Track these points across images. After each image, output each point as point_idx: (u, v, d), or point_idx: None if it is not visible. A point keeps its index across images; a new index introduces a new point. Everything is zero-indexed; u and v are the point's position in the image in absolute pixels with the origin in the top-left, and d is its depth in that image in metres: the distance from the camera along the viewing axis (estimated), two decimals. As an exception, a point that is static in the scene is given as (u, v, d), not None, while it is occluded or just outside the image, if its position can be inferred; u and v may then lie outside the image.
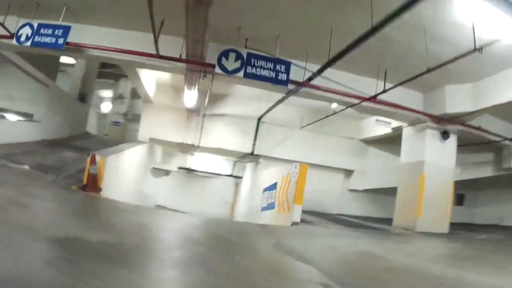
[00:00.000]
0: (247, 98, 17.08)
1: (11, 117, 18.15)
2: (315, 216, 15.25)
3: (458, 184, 15.27)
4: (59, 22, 11.55)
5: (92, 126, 28.13)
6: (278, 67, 11.33)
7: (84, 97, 24.40)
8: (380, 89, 11.69)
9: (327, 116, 16.86)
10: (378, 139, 18.59)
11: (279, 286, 5.11)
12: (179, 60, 11.53)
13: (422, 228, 12.88)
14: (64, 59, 20.80)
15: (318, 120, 18.15)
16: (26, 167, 11.96)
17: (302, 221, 11.79)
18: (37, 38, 11.67)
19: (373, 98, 12.20)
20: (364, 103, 12.63)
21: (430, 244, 10.92)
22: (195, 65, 11.38)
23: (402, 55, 10.65)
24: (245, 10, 9.93)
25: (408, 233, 12.79)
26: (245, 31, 10.95)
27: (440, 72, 9.63)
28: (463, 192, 19.06)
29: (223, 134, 18.84)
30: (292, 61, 11.44)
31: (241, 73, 11.19)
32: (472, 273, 6.49)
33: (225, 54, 11.31)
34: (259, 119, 17.97)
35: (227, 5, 9.37)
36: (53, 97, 19.25)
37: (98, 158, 11.36)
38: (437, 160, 13.66)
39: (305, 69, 11.69)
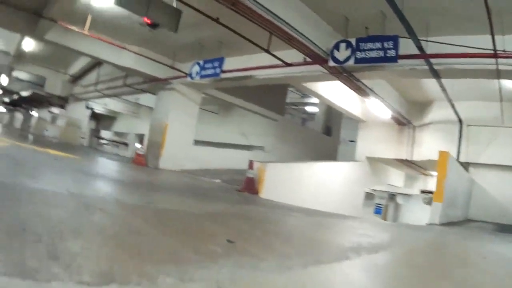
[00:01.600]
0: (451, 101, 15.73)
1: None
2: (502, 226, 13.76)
3: None
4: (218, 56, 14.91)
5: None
6: (385, 44, 10.91)
7: (329, 130, 27.21)
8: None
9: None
10: None
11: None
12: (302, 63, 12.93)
13: None
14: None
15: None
16: (218, 180, 16.10)
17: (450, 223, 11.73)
18: (203, 72, 15.24)
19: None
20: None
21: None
22: (314, 65, 12.65)
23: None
24: None
25: None
26: (352, 18, 11.68)
27: None
28: None
29: (431, 144, 17.74)
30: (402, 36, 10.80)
31: (352, 60, 11.48)
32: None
33: (336, 46, 11.81)
34: (460, 121, 16.72)
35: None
36: (284, 130, 23.79)
37: (256, 164, 13.77)
38: None
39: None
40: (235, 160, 21.37)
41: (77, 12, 13.23)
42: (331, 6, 11.32)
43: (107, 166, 14.83)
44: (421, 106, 18.75)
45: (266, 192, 13.34)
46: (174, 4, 10.49)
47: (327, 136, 29.01)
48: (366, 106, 18.30)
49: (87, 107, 33.45)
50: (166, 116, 18.18)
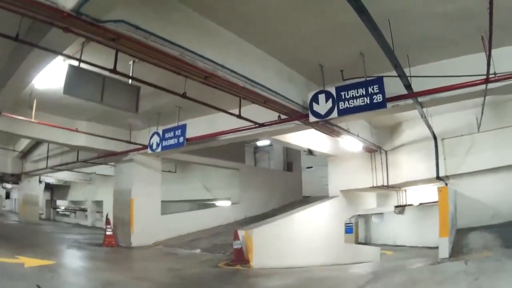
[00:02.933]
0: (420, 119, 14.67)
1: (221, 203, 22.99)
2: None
3: None
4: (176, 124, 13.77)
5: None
6: (370, 89, 9.79)
7: (290, 165, 26.64)
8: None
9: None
10: None
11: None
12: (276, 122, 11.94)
13: None
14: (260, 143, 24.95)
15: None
16: (198, 251, 14.98)
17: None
18: (164, 143, 13.79)
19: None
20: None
21: None
22: (292, 122, 11.79)
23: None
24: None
25: None
26: (326, 64, 10.71)
27: None
28: None
29: (407, 165, 17.48)
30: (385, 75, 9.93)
31: (335, 113, 10.21)
32: None
33: (314, 99, 10.52)
34: (434, 137, 16.13)
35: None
36: (246, 177, 22.57)
37: (241, 233, 12.85)
38: None
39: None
40: (206, 219, 20.46)
41: (22, 99, 11.80)
42: (303, 55, 10.20)
43: (80, 271, 12.92)
44: (391, 129, 18.31)
45: (257, 259, 12.37)
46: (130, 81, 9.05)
47: (289, 172, 28.33)
48: (334, 142, 17.52)
49: (40, 182, 31.42)
50: (129, 191, 16.91)
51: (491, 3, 6.87)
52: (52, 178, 31.88)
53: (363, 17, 6.37)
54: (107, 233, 16.65)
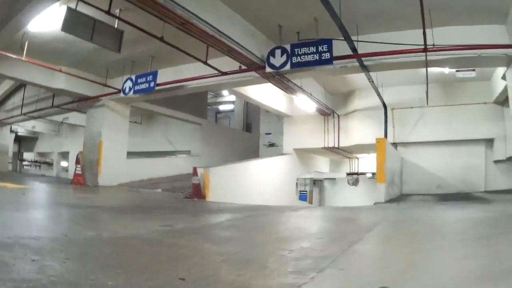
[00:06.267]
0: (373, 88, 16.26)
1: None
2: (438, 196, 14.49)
3: None
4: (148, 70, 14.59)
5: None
6: (320, 48, 11.10)
7: (249, 127, 27.64)
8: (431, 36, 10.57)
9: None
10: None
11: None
12: (237, 71, 12.97)
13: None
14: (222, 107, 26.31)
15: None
16: (159, 190, 15.85)
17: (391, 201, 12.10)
18: (136, 87, 14.59)
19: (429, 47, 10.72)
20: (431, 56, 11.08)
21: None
22: (251, 72, 12.75)
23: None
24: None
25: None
26: (285, 26, 11.87)
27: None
28: None
29: (358, 130, 18.81)
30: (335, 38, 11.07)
31: (288, 66, 11.58)
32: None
33: (271, 53, 11.85)
34: (384, 106, 17.32)
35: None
36: (207, 133, 23.88)
37: (200, 170, 13.71)
38: None
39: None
40: (167, 167, 21.41)
41: (13, 40, 12.22)
42: (265, 16, 11.39)
43: (53, 192, 13.64)
44: (344, 96, 19.52)
45: (213, 195, 13.31)
46: (116, 25, 10.25)
47: (248, 133, 29.27)
48: (290, 102, 18.63)
49: (11, 131, 31.55)
50: (99, 134, 17.55)
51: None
52: (23, 128, 31.77)
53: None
54: (76, 172, 17.20)
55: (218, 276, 3.12)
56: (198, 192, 13.30)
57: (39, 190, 13.12)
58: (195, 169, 13.69)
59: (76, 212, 7.31)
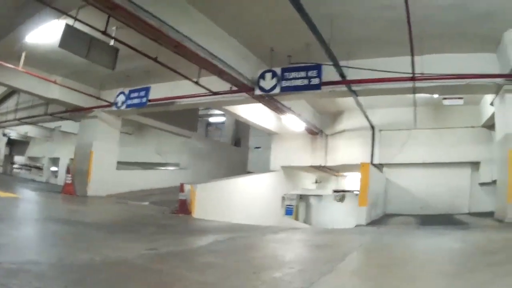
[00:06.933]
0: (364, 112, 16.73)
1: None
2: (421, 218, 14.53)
3: None
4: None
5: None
6: (310, 73, 11.45)
7: (238, 141, 27.70)
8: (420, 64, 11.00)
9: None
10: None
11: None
12: (228, 92, 13.13)
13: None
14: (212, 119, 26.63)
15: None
16: (147, 203, 15.76)
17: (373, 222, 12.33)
18: (129, 102, 14.84)
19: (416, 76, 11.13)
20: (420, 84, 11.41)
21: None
22: (241, 93, 13.03)
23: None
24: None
25: (489, 225, 10.93)
26: (276, 49, 12.07)
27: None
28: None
29: (345, 150, 18.98)
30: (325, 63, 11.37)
31: (277, 89, 11.90)
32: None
33: (262, 76, 12.21)
34: (372, 127, 17.88)
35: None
36: (196, 146, 24.03)
37: (187, 186, 13.57)
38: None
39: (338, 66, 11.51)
40: (156, 179, 21.37)
41: (11, 50, 12.35)
42: (258, 39, 11.61)
43: (44, 203, 13.59)
44: (333, 116, 19.65)
45: (198, 211, 13.23)
46: (112, 43, 10.42)
47: (237, 147, 29.32)
48: (279, 119, 18.49)
49: (4, 135, 31.75)
50: (90, 144, 17.62)
51: (408, 16, 8.49)
52: (15, 132, 31.72)
53: (301, 14, 8.00)
54: (67, 181, 17.11)
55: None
56: (184, 208, 13.22)
57: (31, 201, 13.16)
58: (182, 185, 13.64)
59: (68, 231, 7.45)
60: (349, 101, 15.52)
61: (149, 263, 5.01)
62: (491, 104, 13.11)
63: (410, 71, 11.00)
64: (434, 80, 11.11)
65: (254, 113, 17.81)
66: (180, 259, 5.53)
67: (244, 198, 16.88)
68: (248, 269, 4.96)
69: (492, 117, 14.11)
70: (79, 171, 17.73)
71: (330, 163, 19.51)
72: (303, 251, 7.39)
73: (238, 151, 28.52)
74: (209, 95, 13.43)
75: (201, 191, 13.78)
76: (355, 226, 11.75)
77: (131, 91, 14.66)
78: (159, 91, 14.99)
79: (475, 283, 4.28)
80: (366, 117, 16.23)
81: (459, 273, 4.84)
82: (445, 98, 14.11)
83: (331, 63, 11.04)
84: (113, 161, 18.72)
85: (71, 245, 6.01)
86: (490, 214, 13.51)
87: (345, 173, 23.60)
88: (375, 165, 17.56)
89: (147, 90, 14.16)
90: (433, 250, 6.80)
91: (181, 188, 13.54)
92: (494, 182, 15.51)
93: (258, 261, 5.60)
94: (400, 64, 11.14)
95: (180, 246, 6.78)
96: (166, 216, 12.67)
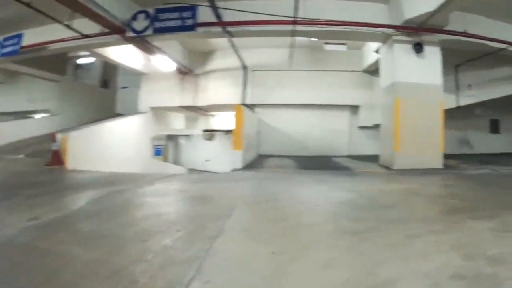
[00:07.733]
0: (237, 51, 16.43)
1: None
2: (299, 161, 14.44)
3: (490, 108, 13.82)
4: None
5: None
6: (184, 14, 11.16)
7: (106, 82, 26.54)
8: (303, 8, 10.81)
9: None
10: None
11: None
12: (99, 34, 12.32)
13: (402, 165, 10.79)
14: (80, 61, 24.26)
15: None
16: (21, 156, 14.83)
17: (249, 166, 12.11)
18: (3, 50, 13.67)
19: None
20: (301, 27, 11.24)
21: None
22: (112, 35, 12.16)
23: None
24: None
25: (376, 172, 10.79)
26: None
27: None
28: (496, 117, 15.73)
29: (216, 90, 18.78)
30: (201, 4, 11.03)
31: (150, 30, 11.45)
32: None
33: (134, 17, 11.64)
34: (244, 68, 17.74)
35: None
36: (65, 90, 22.37)
37: (59, 136, 12.96)
38: (414, 79, 11.13)
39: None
40: (31, 128, 19.89)
41: None
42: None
43: None
44: (204, 55, 19.05)
45: (72, 162, 12.59)
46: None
47: (105, 89, 27.69)
48: (148, 59, 17.52)
49: None
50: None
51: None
52: None
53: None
54: None
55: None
56: (58, 159, 12.55)
57: None
58: (53, 134, 13.01)
59: None
60: (221, 40, 15.05)
61: (35, 241, 4.46)
62: (376, 51, 13.19)
63: (293, 14, 10.75)
64: (317, 25, 11.09)
65: (123, 54, 17.08)
66: (65, 229, 4.98)
67: (115, 143, 16.29)
68: (135, 236, 4.53)
69: (375, 63, 14.76)
70: None
71: (200, 103, 19.15)
72: (185, 206, 6.80)
73: (106, 93, 27.07)
74: (80, 38, 12.51)
75: (73, 139, 13.18)
76: (232, 171, 11.41)
77: (5, 39, 13.56)
78: (31, 37, 13.77)
79: (384, 245, 3.94)
80: (239, 57, 16.09)
81: (361, 232, 4.44)
82: (327, 43, 14.03)
83: (207, 4, 10.66)
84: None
85: None
86: (371, 158, 13.98)
87: (215, 113, 23.33)
88: (247, 105, 17.25)
89: (19, 37, 13.27)
90: (324, 202, 6.40)
91: (52, 137, 12.89)
92: (375, 126, 16.45)
93: (143, 224, 5.08)
94: (283, 7, 10.85)
95: (60, 210, 6.19)
96: (41, 170, 11.76)
